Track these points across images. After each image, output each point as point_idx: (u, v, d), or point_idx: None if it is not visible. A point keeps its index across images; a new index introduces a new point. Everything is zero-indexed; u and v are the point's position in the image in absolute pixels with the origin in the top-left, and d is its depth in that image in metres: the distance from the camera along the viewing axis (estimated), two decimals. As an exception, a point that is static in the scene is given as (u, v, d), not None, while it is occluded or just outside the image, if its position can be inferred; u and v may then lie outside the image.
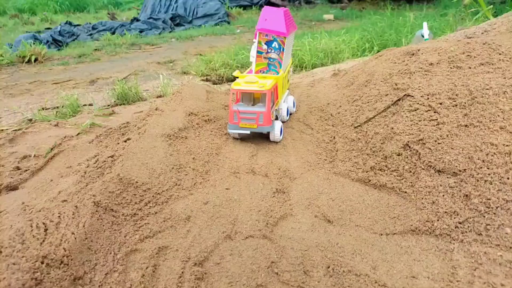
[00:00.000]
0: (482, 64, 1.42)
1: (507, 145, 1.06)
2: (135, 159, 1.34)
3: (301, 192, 1.31)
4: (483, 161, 1.07)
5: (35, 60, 5.13)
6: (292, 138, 1.69)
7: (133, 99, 3.12)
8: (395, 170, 1.25)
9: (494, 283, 0.83)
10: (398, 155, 1.27)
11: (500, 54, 1.45)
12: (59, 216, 1.05)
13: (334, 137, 1.60)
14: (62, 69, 4.90)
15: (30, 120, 2.73)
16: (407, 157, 1.24)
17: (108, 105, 3.07)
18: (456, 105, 1.28)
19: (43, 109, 3.08)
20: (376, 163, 1.31)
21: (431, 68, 1.52)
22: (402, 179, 1.21)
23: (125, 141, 1.45)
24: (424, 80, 1.46)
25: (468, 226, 0.98)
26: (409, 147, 1.26)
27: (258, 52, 1.69)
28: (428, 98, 1.36)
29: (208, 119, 1.77)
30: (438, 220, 1.03)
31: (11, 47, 5.68)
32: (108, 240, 1.06)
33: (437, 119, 1.26)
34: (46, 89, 3.98)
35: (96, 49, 5.94)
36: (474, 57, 1.47)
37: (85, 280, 0.94)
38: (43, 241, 0.95)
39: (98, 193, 1.15)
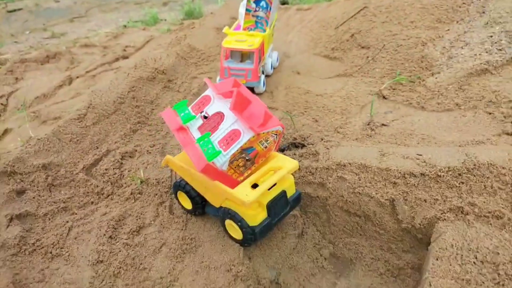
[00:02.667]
0: (419, -12, 2.34)
1: (399, 32, 2.06)
2: (197, 37, 2.52)
3: (289, 61, 2.41)
4: (383, 39, 2.09)
5: (118, -16, 6.45)
6: (298, 37, 2.75)
7: (197, 16, 4.29)
8: (342, 49, 2.30)
9: (357, 86, 1.91)
10: (347, 40, 2.30)
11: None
12: (160, 57, 2.27)
13: (323, 35, 2.64)
14: (140, -8, 6.17)
15: (125, 26, 4.03)
16: (350, 41, 2.28)
17: (179, 20, 4.28)
18: (390, 12, 2.26)
19: (132, 21, 4.37)
20: (335, 46, 2.36)
21: (389, -10, 2.46)
22: (345, 53, 2.26)
23: (192, 28, 2.64)
24: (380, -2, 2.42)
25: (361, 70, 2.04)
26: (354, 35, 2.28)
27: (246, 10, 1.94)
28: (376, 9, 2.34)
29: (245, 23, 2.88)
30: (350, 69, 2.10)
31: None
32: (182, 71, 2.27)
33: (372, 19, 2.26)
34: (129, 8, 5.29)
35: (166, -24, 7.12)
36: (418, -17, 2.39)
37: (172, 82, 2.17)
38: (154, 63, 2.18)
39: (178, 50, 2.36)
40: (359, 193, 1.31)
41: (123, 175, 1.57)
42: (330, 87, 2.02)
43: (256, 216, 1.14)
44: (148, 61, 2.18)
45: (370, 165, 1.32)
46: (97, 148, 1.67)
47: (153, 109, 1.96)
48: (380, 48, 2.05)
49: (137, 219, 1.39)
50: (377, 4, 2.37)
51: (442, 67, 1.82)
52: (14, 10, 5.19)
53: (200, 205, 1.32)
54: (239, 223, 1.14)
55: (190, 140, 1.16)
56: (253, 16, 1.96)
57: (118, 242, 1.32)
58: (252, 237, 1.15)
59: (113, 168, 1.58)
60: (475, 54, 1.77)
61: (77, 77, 2.64)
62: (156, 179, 1.52)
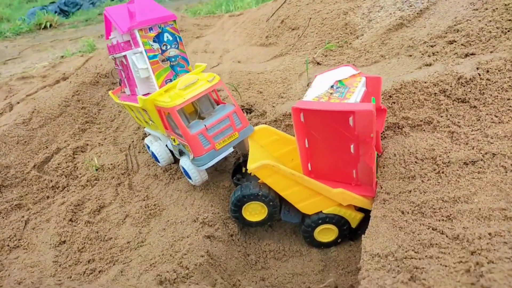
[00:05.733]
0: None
1: (323, 9, 2.22)
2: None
3: (229, 54, 2.50)
4: (310, 17, 2.24)
5: (50, 26, 6.37)
6: (234, 35, 2.87)
7: (134, 40, 4.32)
8: (276, 35, 2.43)
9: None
10: (278, 27, 2.44)
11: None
12: (101, 64, 2.27)
13: (256, 30, 2.77)
14: (73, 31, 6.12)
15: (62, 56, 3.98)
16: (281, 27, 2.42)
17: (116, 46, 4.29)
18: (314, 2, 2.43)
19: (69, 52, 4.32)
20: (268, 34, 2.49)
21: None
22: (278, 38, 2.39)
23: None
24: (301, -13, 2.60)
25: (295, 47, 2.16)
26: (283, 21, 2.43)
27: (149, 57, 1.28)
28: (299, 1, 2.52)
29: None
30: (285, 49, 2.22)
31: (23, 21, 6.92)
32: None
33: (297, 4, 2.42)
34: (65, 45, 5.22)
35: (99, 14, 7.13)
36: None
37: (116, 85, 2.17)
38: (96, 69, 2.18)
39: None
40: (307, 134, 1.39)
41: (77, 167, 1.54)
42: (269, 66, 2.11)
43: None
44: (90, 68, 2.18)
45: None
46: (47, 147, 1.64)
47: (100, 109, 1.96)
48: (307, 25, 2.20)
49: (96, 201, 1.37)
50: (299, -7, 2.55)
51: (364, 29, 1.98)
52: None
53: (278, 211, 1.22)
54: (345, 226, 1.19)
55: None
56: (163, 61, 1.32)
57: (79, 223, 1.30)
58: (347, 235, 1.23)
59: (66, 162, 1.55)
60: (390, 14, 1.95)
61: (18, 102, 2.57)
62: (111, 164, 1.51)
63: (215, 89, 1.27)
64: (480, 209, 0.90)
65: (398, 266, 0.82)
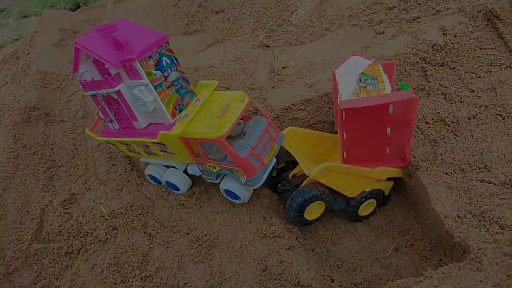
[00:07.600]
0: None
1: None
2: (40, 60, 2.17)
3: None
4: (233, -1, 2.19)
5: None
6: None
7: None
8: (198, 20, 2.32)
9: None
10: (197, 12, 2.33)
11: None
12: (19, 95, 1.90)
13: (166, 15, 2.59)
14: None
15: None
16: (201, 11, 2.32)
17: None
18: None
19: None
20: (188, 21, 2.36)
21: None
22: (202, 23, 2.30)
23: (28, 54, 2.25)
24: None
25: (230, 32, 2.12)
26: (201, 5, 2.32)
27: (156, 87, 1.20)
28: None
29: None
30: (218, 35, 2.16)
31: None
32: (51, 99, 1.96)
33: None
34: None
35: None
36: None
37: (50, 115, 1.86)
38: (19, 103, 1.82)
39: (32, 80, 2.00)
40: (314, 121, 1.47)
41: (81, 223, 1.35)
42: (213, 57, 2.05)
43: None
44: (8, 103, 1.81)
45: (311, 97, 1.48)
46: (28, 212, 1.38)
47: (52, 149, 1.68)
48: (239, 6, 2.16)
49: (133, 252, 1.25)
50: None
51: (296, 4, 2.05)
52: None
53: (331, 203, 1.31)
54: (381, 196, 1.35)
55: None
56: (168, 88, 1.24)
57: (133, 282, 1.18)
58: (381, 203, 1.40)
59: (66, 221, 1.35)
60: (317, -15, 2.05)
61: None
62: (121, 207, 1.37)
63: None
64: (504, 154, 1.13)
65: (480, 221, 1.01)
